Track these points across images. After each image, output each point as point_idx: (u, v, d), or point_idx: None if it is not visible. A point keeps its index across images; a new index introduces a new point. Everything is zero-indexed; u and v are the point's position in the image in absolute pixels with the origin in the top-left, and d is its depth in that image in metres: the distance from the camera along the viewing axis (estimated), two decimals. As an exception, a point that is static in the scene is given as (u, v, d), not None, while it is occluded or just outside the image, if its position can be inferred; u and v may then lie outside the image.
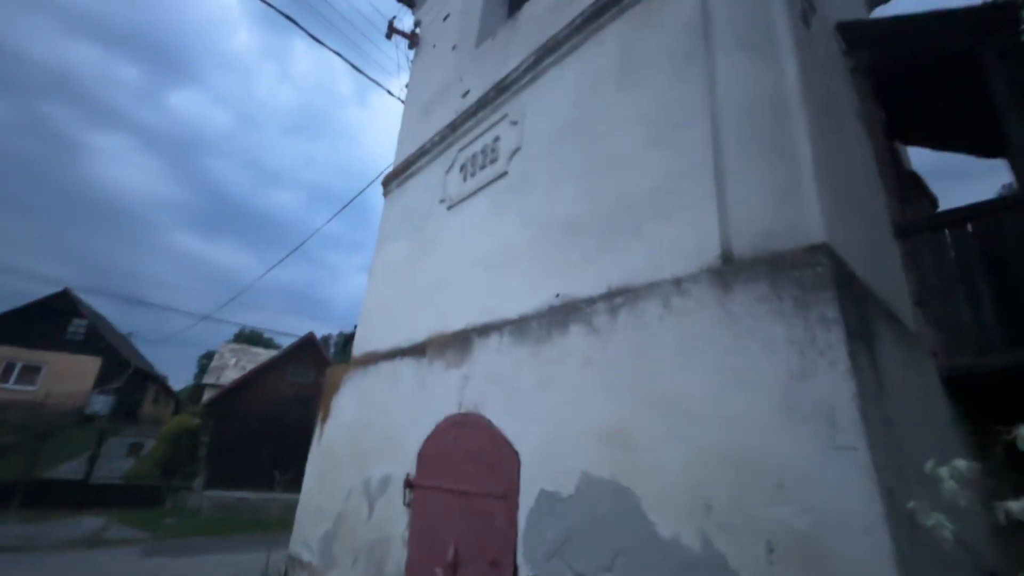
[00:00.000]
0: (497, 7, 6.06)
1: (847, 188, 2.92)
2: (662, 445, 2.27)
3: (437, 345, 4.00)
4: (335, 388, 5.34)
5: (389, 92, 7.99)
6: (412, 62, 7.20)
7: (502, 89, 4.58)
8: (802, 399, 1.91)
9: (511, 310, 3.53)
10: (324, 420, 5.30)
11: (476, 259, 4.12)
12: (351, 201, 9.82)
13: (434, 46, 6.71)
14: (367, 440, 4.40)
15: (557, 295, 3.23)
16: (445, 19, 6.66)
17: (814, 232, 2.36)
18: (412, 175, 5.75)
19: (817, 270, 2.03)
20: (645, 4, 3.48)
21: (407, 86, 8.06)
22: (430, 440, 3.66)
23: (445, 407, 3.64)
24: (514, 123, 4.33)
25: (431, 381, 3.89)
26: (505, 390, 3.20)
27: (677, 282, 2.49)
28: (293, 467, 15.23)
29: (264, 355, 30.20)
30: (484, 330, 3.59)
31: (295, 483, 15.17)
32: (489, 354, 3.44)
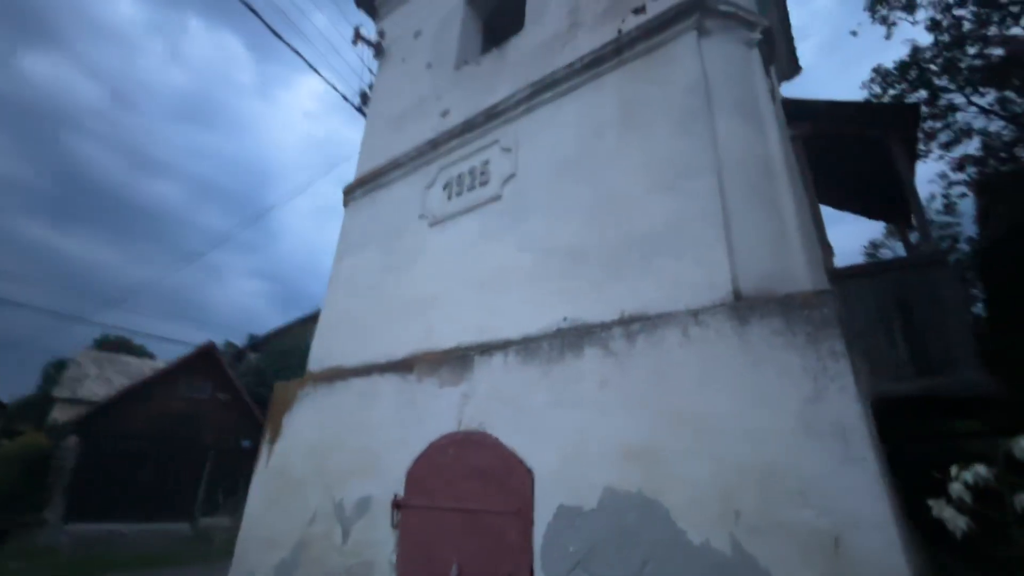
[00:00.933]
0: (473, 35, 6.25)
1: (809, 240, 3.50)
2: (689, 459, 2.53)
3: (427, 362, 3.98)
4: (287, 405, 4.99)
5: (344, 97, 7.75)
6: (377, 72, 7.09)
7: (492, 116, 4.74)
8: (817, 418, 2.28)
9: (513, 330, 3.65)
10: (273, 440, 4.92)
11: (469, 278, 4.19)
12: (266, 211, 9.22)
13: (403, 60, 6.69)
14: (337, 460, 4.19)
15: (565, 318, 3.43)
16: (416, 36, 6.69)
17: (801, 279, 2.84)
18: (382, 186, 5.65)
19: (824, 311, 2.45)
20: (645, 60, 3.88)
21: (363, 93, 7.91)
22: (423, 459, 3.61)
23: (441, 425, 3.62)
24: (507, 150, 4.50)
25: (422, 399, 3.85)
26: (514, 409, 3.30)
27: (694, 314, 2.81)
28: (180, 493, 13.51)
29: (137, 365, 26.56)
30: (485, 349, 3.66)
31: (182, 510, 13.44)
32: (493, 373, 3.52)
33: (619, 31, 4.14)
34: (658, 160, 3.46)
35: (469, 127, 4.92)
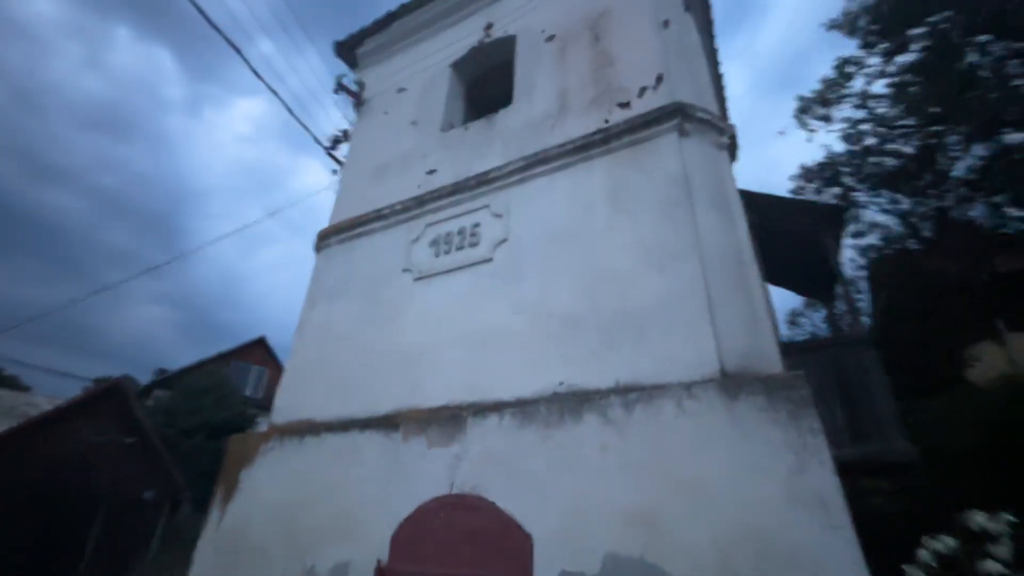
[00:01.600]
0: (458, 100, 6.61)
1: (772, 320, 3.99)
2: (688, 525, 2.74)
3: (414, 420, 3.97)
4: (246, 460, 4.69)
5: (316, 140, 7.74)
6: (357, 121, 7.21)
7: (483, 181, 5.01)
8: (801, 488, 2.60)
9: (506, 392, 3.77)
10: (228, 499, 4.57)
11: (458, 335, 4.28)
12: (212, 242, 8.80)
13: (385, 113, 6.88)
14: (308, 522, 3.98)
15: (561, 383, 3.61)
16: (400, 91, 6.94)
17: (772, 358, 3.26)
18: (363, 235, 5.68)
19: (802, 392, 2.83)
20: (632, 151, 4.34)
21: (335, 137, 7.95)
22: (411, 522, 3.55)
23: (431, 488, 3.60)
24: (498, 215, 4.75)
25: (408, 459, 3.82)
26: (511, 472, 3.38)
27: (687, 387, 3.11)
28: (61, 554, 11.65)
29: (9, 399, 23.01)
30: (479, 409, 3.74)
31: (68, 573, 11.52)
32: (488, 435, 3.59)
33: (606, 121, 4.62)
34: (646, 241, 3.85)
35: (459, 189, 5.14)
